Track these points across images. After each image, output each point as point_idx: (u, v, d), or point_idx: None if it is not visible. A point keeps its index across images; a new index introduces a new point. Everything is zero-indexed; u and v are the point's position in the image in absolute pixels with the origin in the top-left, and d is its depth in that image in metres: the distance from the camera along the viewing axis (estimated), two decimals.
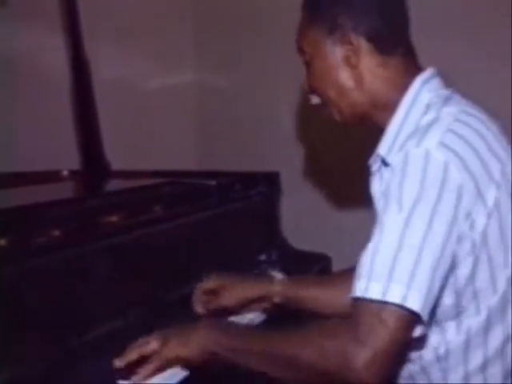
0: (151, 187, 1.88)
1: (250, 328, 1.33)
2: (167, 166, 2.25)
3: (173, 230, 1.67)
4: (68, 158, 2.26)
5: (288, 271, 1.93)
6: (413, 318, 1.10)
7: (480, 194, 1.15)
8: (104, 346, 1.34)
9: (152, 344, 1.29)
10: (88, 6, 2.16)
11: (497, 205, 1.17)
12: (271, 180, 2.11)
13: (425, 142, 1.16)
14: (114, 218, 1.54)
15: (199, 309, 1.56)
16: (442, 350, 1.22)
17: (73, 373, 1.25)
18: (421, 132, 1.19)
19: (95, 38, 2.25)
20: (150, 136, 2.70)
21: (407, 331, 1.11)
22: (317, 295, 1.54)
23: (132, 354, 1.28)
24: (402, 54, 1.30)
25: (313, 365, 1.14)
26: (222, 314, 1.55)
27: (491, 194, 1.17)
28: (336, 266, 2.05)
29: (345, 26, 1.29)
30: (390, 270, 1.10)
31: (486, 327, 1.21)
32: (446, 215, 1.12)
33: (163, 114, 2.77)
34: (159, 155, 2.65)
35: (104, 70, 2.43)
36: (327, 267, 2.04)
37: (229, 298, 1.55)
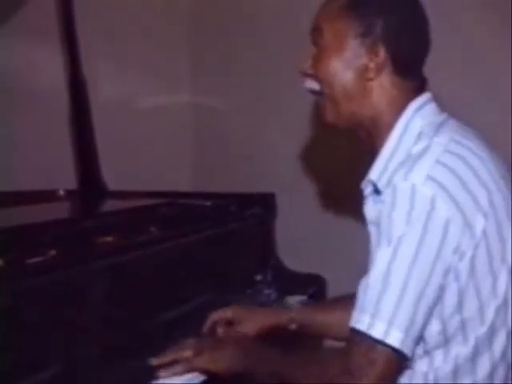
0: (147, 208, 1.88)
1: (273, 352, 1.38)
2: (163, 185, 2.26)
3: (169, 251, 1.68)
4: (65, 178, 2.27)
5: (283, 292, 1.96)
6: (397, 355, 1.15)
7: (468, 226, 1.16)
8: (100, 366, 1.34)
9: (186, 352, 1.39)
10: (86, 26, 2.18)
11: (484, 234, 1.18)
12: (266, 201, 2.11)
13: (412, 176, 1.17)
14: (109, 239, 1.54)
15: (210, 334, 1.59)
16: (430, 377, 1.24)
17: None
18: (410, 162, 1.20)
19: (92, 58, 2.27)
20: (146, 156, 2.71)
21: (393, 368, 1.18)
22: (331, 321, 1.57)
23: (167, 357, 1.39)
24: (415, 80, 1.31)
25: None
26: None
27: (479, 224, 1.18)
28: (331, 288, 2.06)
29: (379, 37, 1.27)
30: (375, 305, 1.15)
31: (474, 355, 1.22)
32: (431, 250, 1.14)
33: (159, 134, 2.78)
34: (155, 175, 2.65)
35: (101, 89, 2.45)
36: (322, 288, 2.04)
37: (249, 326, 1.58)
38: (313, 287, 2.01)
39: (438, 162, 1.19)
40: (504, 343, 1.23)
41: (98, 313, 1.41)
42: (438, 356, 1.23)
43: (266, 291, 1.97)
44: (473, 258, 1.17)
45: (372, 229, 1.26)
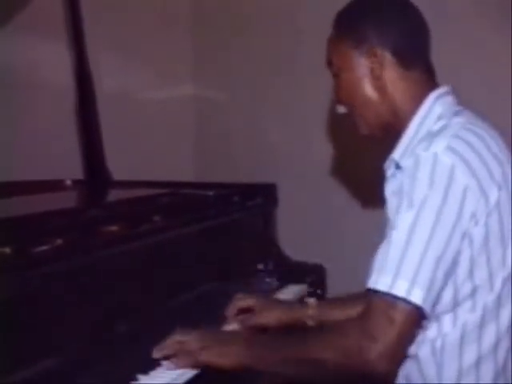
0: (151, 198, 1.90)
1: (282, 337, 1.40)
2: (166, 176, 2.28)
3: (172, 240, 1.70)
4: (71, 168, 2.30)
5: (284, 280, 1.99)
6: (418, 312, 1.19)
7: (484, 195, 1.23)
8: (105, 355, 1.37)
9: (191, 345, 1.37)
10: (90, 21, 2.21)
11: (497, 204, 1.25)
12: (268, 191, 2.13)
13: (433, 147, 1.24)
14: (114, 228, 1.56)
15: (233, 319, 1.62)
16: (438, 344, 1.28)
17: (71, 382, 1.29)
18: (431, 137, 1.28)
19: (97, 52, 2.29)
20: (149, 147, 2.73)
21: (413, 326, 1.21)
22: (350, 315, 1.57)
23: (169, 350, 1.37)
24: (421, 70, 1.38)
25: (336, 363, 1.24)
26: (258, 330, 1.61)
27: (493, 194, 1.25)
28: (330, 277, 2.09)
29: (372, 39, 1.37)
30: (397, 265, 1.19)
31: (481, 324, 1.27)
32: (451, 214, 1.20)
33: (163, 126, 2.81)
34: (158, 165, 2.68)
35: (106, 82, 2.47)
36: (322, 277, 2.07)
37: (268, 317, 1.61)
38: (313, 276, 2.04)
39: (456, 136, 1.27)
40: (510, 317, 1.28)
41: (101, 301, 1.42)
42: (447, 322, 1.27)
43: (268, 280, 2.01)
44: (486, 226, 1.24)
45: (391, 200, 1.31)
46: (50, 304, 1.29)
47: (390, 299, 1.19)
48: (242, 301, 1.64)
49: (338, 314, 1.62)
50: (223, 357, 1.35)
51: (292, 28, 2.67)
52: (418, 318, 1.21)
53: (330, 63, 1.45)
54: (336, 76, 1.44)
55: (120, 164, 2.28)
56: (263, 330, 1.61)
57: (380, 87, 1.38)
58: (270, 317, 1.61)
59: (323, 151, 2.68)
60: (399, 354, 1.22)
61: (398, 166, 1.35)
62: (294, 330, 1.62)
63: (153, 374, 1.35)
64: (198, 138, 2.96)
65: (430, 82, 1.39)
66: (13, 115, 2.25)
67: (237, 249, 1.99)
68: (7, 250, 1.27)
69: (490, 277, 1.26)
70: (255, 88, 2.81)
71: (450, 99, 1.37)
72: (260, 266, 2.07)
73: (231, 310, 1.63)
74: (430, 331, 1.29)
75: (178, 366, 1.37)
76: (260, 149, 2.80)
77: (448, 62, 2.26)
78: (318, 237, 2.66)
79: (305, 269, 2.06)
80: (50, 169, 2.23)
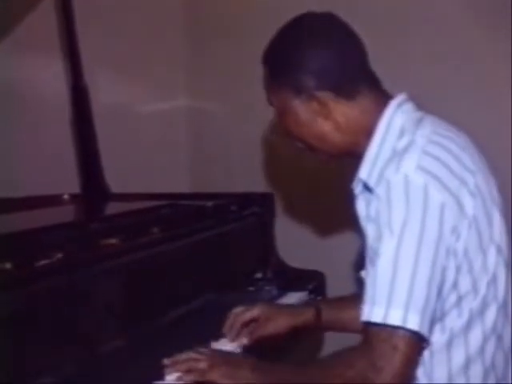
0: (149, 210, 1.90)
1: (290, 367, 1.39)
2: (163, 187, 2.28)
3: (171, 251, 1.71)
4: (69, 182, 2.30)
5: (283, 288, 2.00)
6: (417, 337, 1.19)
7: (461, 208, 1.24)
8: (105, 367, 1.37)
9: (201, 364, 1.35)
10: (85, 35, 2.21)
11: (475, 215, 1.26)
12: (266, 200, 2.14)
13: (403, 168, 1.23)
14: (114, 241, 1.56)
15: (234, 337, 1.58)
16: (426, 353, 1.28)
17: None
18: (398, 156, 1.27)
19: (92, 65, 2.30)
20: (146, 159, 2.73)
21: (415, 350, 1.21)
22: (356, 315, 1.59)
23: (181, 367, 1.36)
24: (367, 90, 1.37)
25: None
26: (265, 341, 1.59)
27: (470, 206, 1.25)
28: (330, 283, 2.10)
29: (308, 85, 1.34)
30: (388, 294, 1.19)
31: (467, 327, 1.28)
32: (432, 233, 1.20)
33: (159, 138, 2.81)
34: (155, 178, 2.68)
35: (101, 95, 2.47)
36: (321, 284, 2.08)
37: (276, 326, 1.59)
38: (312, 283, 2.04)
39: (424, 152, 1.26)
40: (495, 316, 1.29)
41: (102, 314, 1.42)
42: (436, 332, 1.27)
43: (267, 288, 2.02)
44: (467, 237, 1.24)
45: (369, 226, 1.30)
46: (51, 317, 1.29)
47: (389, 330, 1.19)
48: (245, 314, 1.60)
49: (345, 315, 1.62)
50: (230, 379, 1.34)
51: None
52: (418, 342, 1.21)
53: (270, 103, 1.43)
54: (280, 114, 1.42)
55: (117, 177, 2.28)
56: (272, 339, 1.60)
57: (332, 123, 1.37)
58: (277, 325, 1.59)
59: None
60: (405, 380, 1.21)
61: (366, 188, 1.35)
62: (302, 362, 1.60)
63: None
64: (193, 148, 2.97)
65: (380, 96, 1.38)
66: (9, 131, 2.25)
67: (235, 258, 2.00)
68: (8, 265, 1.27)
69: (475, 284, 1.27)
70: (250, 98, 2.81)
71: (409, 106, 1.36)
72: (259, 275, 2.07)
73: (229, 325, 1.59)
74: None
75: (184, 381, 1.35)
76: (257, 158, 2.80)
77: (445, 71, 2.30)
78: (317, 244, 2.66)
79: (304, 276, 2.06)
80: (47, 183, 2.23)
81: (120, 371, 1.36)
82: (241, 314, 1.60)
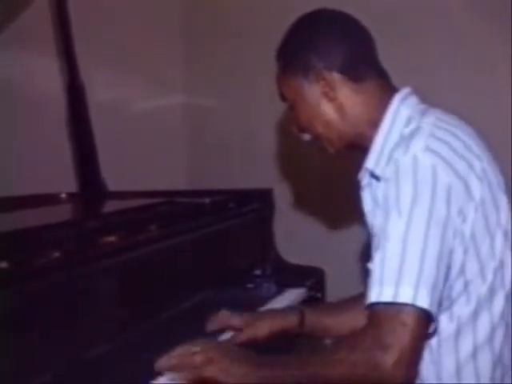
0: (147, 207, 1.90)
1: (292, 358, 1.34)
2: (161, 185, 2.29)
3: (170, 248, 1.70)
4: (66, 181, 2.31)
5: (282, 285, 1.99)
6: (426, 315, 1.19)
7: (468, 191, 1.24)
8: (106, 365, 1.37)
9: (196, 360, 1.31)
10: (81, 32, 2.21)
11: (482, 199, 1.26)
12: (264, 197, 2.14)
13: (411, 149, 1.25)
14: (112, 239, 1.56)
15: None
16: (434, 341, 1.29)
17: None
18: (406, 140, 1.28)
19: (89, 63, 2.29)
20: (142, 156, 2.73)
21: (425, 327, 1.20)
22: (341, 321, 1.59)
23: (173, 361, 1.32)
24: (374, 78, 1.39)
25: (348, 378, 1.21)
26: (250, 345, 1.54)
27: (477, 189, 1.26)
28: (329, 279, 2.10)
29: (316, 65, 1.38)
30: (398, 274, 1.18)
31: (475, 315, 1.28)
32: (440, 213, 1.21)
33: (156, 135, 2.81)
34: (152, 175, 2.68)
35: (97, 93, 2.47)
36: (321, 280, 2.08)
37: (257, 330, 1.56)
38: (312, 279, 2.04)
39: (432, 135, 1.28)
40: (502, 304, 1.30)
41: (101, 311, 1.42)
42: (444, 320, 1.28)
43: (266, 285, 2.01)
44: (474, 221, 1.25)
45: (376, 213, 1.32)
46: (49, 316, 1.29)
47: (397, 307, 1.18)
48: (226, 319, 1.58)
49: (330, 321, 1.61)
50: (229, 375, 1.30)
51: (283, 31, 2.68)
52: (426, 321, 1.20)
53: (283, 98, 1.47)
54: (292, 108, 1.45)
55: (114, 174, 2.28)
56: (254, 344, 1.55)
57: (337, 107, 1.39)
58: (258, 330, 1.56)
59: (320, 154, 2.68)
60: (415, 358, 1.20)
61: (372, 175, 1.36)
62: (303, 351, 1.59)
63: None
64: (190, 145, 2.97)
65: (386, 87, 1.40)
66: (5, 129, 2.24)
67: (234, 255, 2.00)
68: (5, 264, 1.26)
69: (482, 269, 1.27)
70: (247, 93, 2.82)
71: (414, 99, 1.38)
72: (258, 272, 2.07)
73: (212, 326, 1.58)
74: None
75: (180, 379, 1.31)
76: (254, 154, 2.81)
77: (445, 71, 2.30)
78: (316, 240, 2.66)
79: (303, 272, 2.06)
80: (44, 182, 2.23)
81: (119, 370, 1.36)
82: (220, 317, 1.58)
